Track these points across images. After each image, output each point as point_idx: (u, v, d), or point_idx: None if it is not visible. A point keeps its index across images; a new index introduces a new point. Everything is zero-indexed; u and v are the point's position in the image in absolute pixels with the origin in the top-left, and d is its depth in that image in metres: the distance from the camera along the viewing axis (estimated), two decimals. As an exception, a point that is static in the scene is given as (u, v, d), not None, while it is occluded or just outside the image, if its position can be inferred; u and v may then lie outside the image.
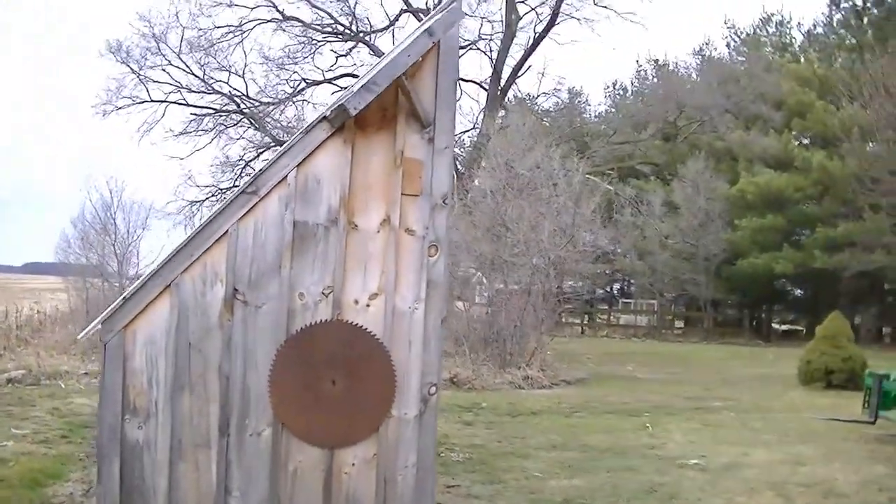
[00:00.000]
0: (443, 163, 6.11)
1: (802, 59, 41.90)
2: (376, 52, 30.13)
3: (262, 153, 29.75)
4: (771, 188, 36.30)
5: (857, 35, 39.09)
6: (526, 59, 32.72)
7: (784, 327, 45.00)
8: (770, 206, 37.16)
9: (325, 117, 5.92)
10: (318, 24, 29.63)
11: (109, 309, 5.63)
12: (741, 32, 46.19)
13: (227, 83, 29.74)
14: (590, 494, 8.12)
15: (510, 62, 32.05)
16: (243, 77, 29.49)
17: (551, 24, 32.17)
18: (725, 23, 49.36)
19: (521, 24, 30.84)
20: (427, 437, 6.10)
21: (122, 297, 5.61)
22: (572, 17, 31.35)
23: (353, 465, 5.97)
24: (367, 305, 5.98)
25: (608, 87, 47.86)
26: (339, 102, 5.62)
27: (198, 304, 5.74)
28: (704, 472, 9.25)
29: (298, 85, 29.54)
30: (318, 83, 29.68)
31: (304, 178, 5.88)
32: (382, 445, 6.01)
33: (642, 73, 47.84)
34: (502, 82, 32.66)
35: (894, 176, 28.08)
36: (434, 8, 31.01)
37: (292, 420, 5.85)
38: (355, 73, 30.51)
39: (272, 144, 29.57)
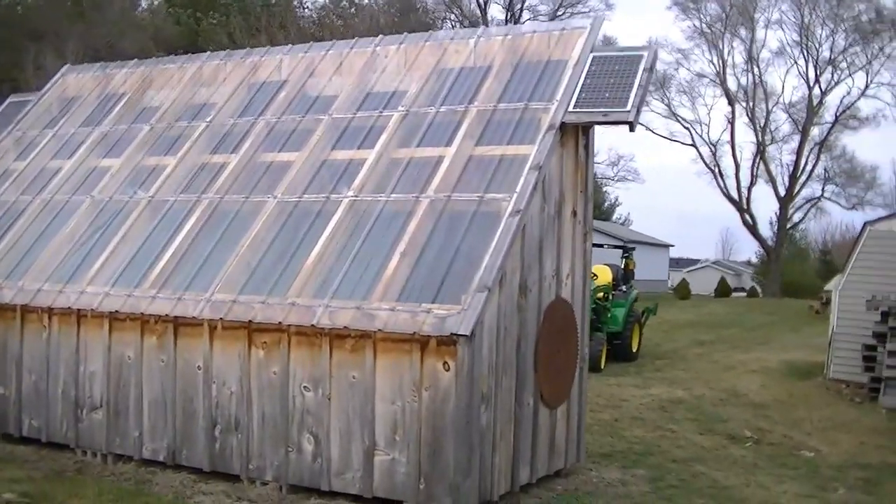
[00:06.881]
0: (591, 165, 7.54)
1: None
2: None
3: None
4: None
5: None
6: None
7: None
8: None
9: (560, 126, 6.79)
10: None
11: (478, 301, 5.68)
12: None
13: None
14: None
15: None
16: None
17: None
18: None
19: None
20: (583, 387, 7.54)
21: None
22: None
23: (559, 418, 7.11)
24: (566, 283, 7.12)
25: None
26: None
27: (509, 292, 6.17)
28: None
29: None
30: None
31: (545, 177, 6.70)
32: (570, 399, 7.27)
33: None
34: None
35: None
36: None
37: (545, 387, 6.72)
38: None
39: None
